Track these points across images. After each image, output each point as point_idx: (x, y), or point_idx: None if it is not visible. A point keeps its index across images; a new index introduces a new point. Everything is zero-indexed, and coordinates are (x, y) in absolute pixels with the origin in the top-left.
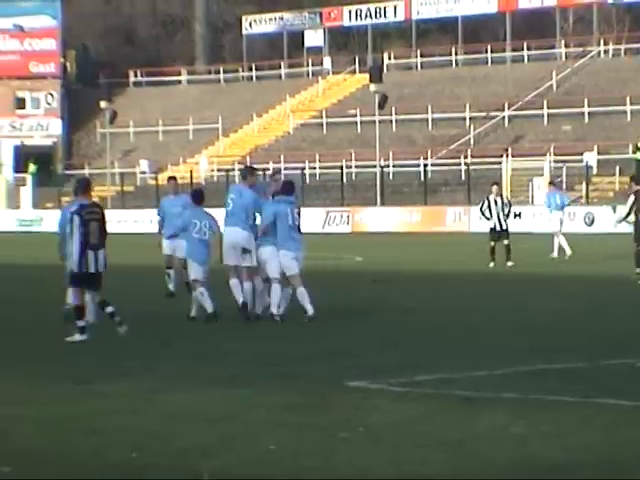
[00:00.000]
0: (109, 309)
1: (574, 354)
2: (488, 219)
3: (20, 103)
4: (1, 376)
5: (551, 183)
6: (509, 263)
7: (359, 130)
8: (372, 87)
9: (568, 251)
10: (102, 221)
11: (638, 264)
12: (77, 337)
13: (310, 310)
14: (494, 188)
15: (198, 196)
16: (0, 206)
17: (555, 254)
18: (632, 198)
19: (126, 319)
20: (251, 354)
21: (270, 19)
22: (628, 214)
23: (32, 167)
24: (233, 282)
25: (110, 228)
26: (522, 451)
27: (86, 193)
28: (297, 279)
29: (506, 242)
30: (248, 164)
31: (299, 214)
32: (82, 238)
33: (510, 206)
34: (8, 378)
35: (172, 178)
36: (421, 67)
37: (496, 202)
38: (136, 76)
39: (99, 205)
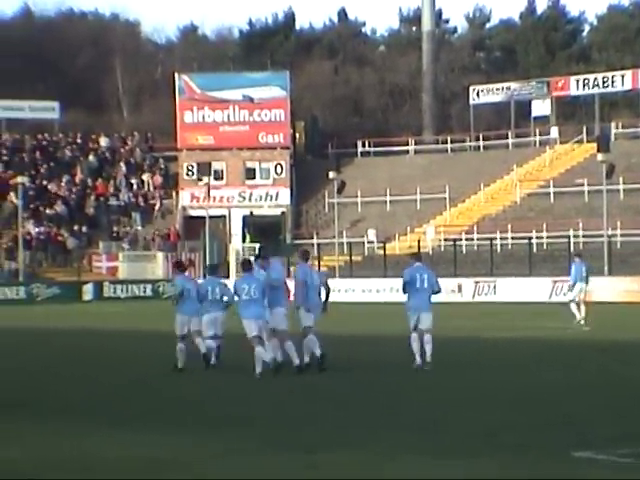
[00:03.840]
0: None
1: None
2: None
3: (250, 174)
4: (228, 447)
5: (578, 255)
6: None
7: (586, 199)
8: (599, 156)
9: (578, 316)
10: None
11: None
12: None
13: (317, 352)
14: None
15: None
16: (231, 276)
17: (580, 319)
18: None
19: (350, 387)
20: (476, 423)
21: (497, 89)
22: None
23: (247, 238)
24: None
25: (338, 297)
26: None
27: None
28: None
29: None
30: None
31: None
32: None
33: None
34: (237, 448)
35: (179, 263)
36: None
37: None
38: (364, 146)
39: None
